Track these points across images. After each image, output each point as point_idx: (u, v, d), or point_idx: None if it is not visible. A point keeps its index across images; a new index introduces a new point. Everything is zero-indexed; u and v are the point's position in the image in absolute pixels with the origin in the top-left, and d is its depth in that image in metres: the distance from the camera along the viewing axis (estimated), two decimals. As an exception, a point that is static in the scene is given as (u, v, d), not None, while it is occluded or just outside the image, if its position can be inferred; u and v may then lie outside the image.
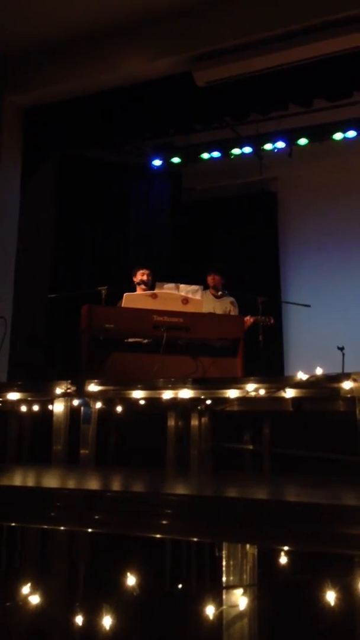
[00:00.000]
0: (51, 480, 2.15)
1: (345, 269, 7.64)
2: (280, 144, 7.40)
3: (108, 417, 3.53)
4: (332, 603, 1.41)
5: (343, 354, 4.78)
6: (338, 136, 7.20)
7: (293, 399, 3.24)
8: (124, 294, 5.13)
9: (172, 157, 7.74)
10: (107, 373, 4.72)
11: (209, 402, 3.11)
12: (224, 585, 1.52)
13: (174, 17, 5.91)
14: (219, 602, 1.47)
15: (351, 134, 7.14)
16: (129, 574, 1.49)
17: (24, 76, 6.41)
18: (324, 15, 5.43)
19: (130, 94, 6.35)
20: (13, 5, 5.77)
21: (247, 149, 7.54)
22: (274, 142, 7.44)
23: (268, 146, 7.47)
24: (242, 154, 7.59)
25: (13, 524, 1.87)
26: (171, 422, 3.61)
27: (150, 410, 3.56)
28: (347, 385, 2.77)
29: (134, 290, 5.71)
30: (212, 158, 7.69)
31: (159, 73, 6.16)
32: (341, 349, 5.79)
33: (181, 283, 5.48)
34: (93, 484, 1.94)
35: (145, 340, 5.26)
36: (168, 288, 5.32)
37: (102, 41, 6.12)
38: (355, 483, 2.59)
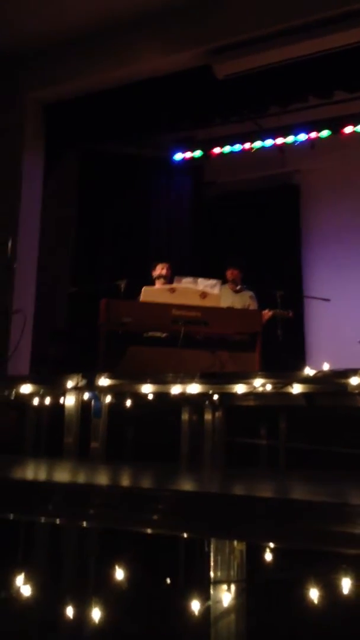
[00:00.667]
0: (46, 474, 2.19)
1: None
2: (302, 136, 7.34)
3: (122, 411, 3.57)
4: (319, 600, 1.42)
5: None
6: (361, 128, 7.11)
7: (306, 394, 3.24)
8: (143, 288, 5.16)
9: (193, 150, 7.73)
10: (124, 367, 4.76)
11: (216, 397, 3.12)
12: (211, 581, 1.53)
13: (192, 10, 5.89)
14: (206, 598, 1.49)
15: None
16: (117, 568, 1.52)
17: (43, 72, 6.45)
18: (344, 6, 5.35)
19: (149, 88, 6.35)
20: (30, 3, 5.81)
21: (269, 142, 7.49)
22: (296, 135, 7.38)
23: (290, 138, 7.41)
24: (264, 146, 7.54)
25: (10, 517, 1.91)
26: (185, 417, 3.63)
27: (164, 404, 3.60)
28: (354, 380, 2.75)
29: (153, 284, 5.74)
30: (233, 151, 7.65)
31: (178, 66, 6.14)
32: (362, 343, 5.74)
33: (201, 277, 5.49)
34: (88, 479, 1.98)
35: (163, 335, 5.29)
36: (186, 282, 5.34)
37: (120, 35, 6.13)
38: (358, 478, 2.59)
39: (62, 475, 2.42)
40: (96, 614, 1.52)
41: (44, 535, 2.29)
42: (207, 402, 3.25)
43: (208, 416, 3.57)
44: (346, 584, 1.42)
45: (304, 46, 5.65)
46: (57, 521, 1.88)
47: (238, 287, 6.07)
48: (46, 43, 6.30)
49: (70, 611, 1.60)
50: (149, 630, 1.53)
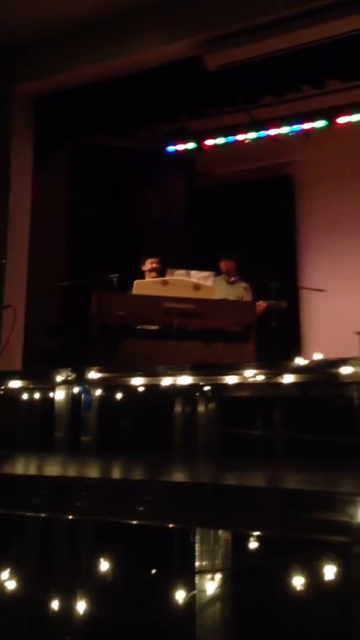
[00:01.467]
0: (35, 468, 2.18)
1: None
2: (297, 127, 7.30)
3: (113, 404, 3.56)
4: (302, 587, 1.41)
5: (361, 339, 4.75)
6: (355, 118, 7.07)
7: (299, 384, 3.22)
8: (135, 282, 5.14)
9: (187, 142, 7.69)
10: (118, 360, 4.75)
11: (207, 388, 3.10)
12: (196, 570, 1.52)
13: (184, 0, 5.85)
14: (191, 587, 1.48)
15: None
16: (102, 560, 1.50)
17: (34, 64, 6.40)
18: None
19: (141, 79, 6.31)
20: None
21: (263, 133, 7.45)
22: (290, 125, 7.34)
23: (284, 129, 7.37)
24: (258, 137, 7.50)
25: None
26: (177, 409, 3.62)
27: (156, 396, 3.58)
28: (345, 370, 2.74)
29: (144, 278, 5.71)
30: (227, 142, 7.61)
31: (171, 57, 6.10)
32: (359, 333, 5.74)
33: (194, 269, 5.47)
34: (76, 472, 1.96)
35: (157, 327, 5.28)
36: (179, 275, 5.32)
37: (111, 26, 6.08)
38: (353, 467, 2.57)
39: (52, 468, 2.40)
40: (83, 604, 1.50)
41: (33, 528, 2.28)
42: (198, 394, 3.23)
43: (201, 408, 3.55)
44: (331, 571, 1.40)
45: (296, 36, 5.60)
46: (45, 514, 1.87)
47: (232, 279, 6.05)
48: (36, 35, 6.25)
49: (58, 602, 1.58)
50: (136, 620, 1.52)
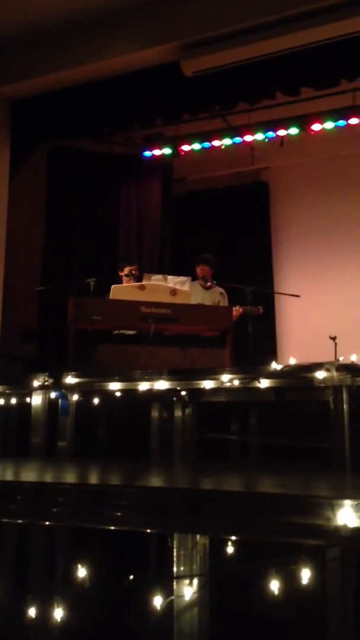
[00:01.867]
0: (11, 474, 2.17)
1: (336, 259, 7.63)
2: (271, 134, 7.36)
3: (90, 409, 3.55)
4: (279, 591, 1.43)
5: (335, 344, 4.80)
6: (329, 125, 7.15)
7: (275, 389, 3.25)
8: (112, 286, 5.13)
9: (163, 147, 7.71)
10: (94, 365, 4.74)
11: (184, 393, 3.11)
12: (174, 575, 1.53)
13: (161, 6, 5.87)
14: (169, 593, 1.48)
15: (341, 122, 7.08)
16: (80, 566, 1.50)
17: (10, 67, 6.37)
18: (310, 3, 5.38)
19: (118, 84, 6.31)
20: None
21: (238, 139, 7.50)
22: (265, 132, 7.40)
23: (259, 136, 7.42)
24: (233, 144, 7.55)
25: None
26: (154, 414, 3.63)
27: (133, 401, 3.58)
28: (320, 375, 2.77)
29: (122, 283, 5.71)
30: (203, 148, 7.64)
31: (147, 62, 6.11)
32: (333, 338, 5.82)
33: (171, 274, 5.49)
34: (52, 477, 1.96)
35: (133, 332, 5.28)
36: (156, 279, 5.33)
37: (89, 30, 6.07)
38: (326, 471, 2.60)
39: (28, 474, 2.39)
40: (60, 610, 1.50)
41: (9, 534, 2.27)
42: (175, 399, 3.24)
43: (178, 413, 3.56)
44: (307, 575, 1.42)
45: (271, 43, 5.66)
46: (22, 521, 1.86)
47: (208, 284, 6.08)
48: (13, 38, 6.22)
49: (35, 608, 1.58)
50: (113, 625, 1.52)
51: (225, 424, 3.97)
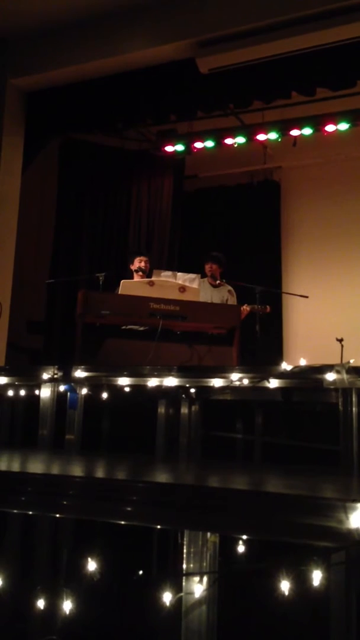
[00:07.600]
0: (20, 465, 2.17)
1: (346, 261, 7.61)
2: (284, 133, 7.33)
3: (98, 403, 3.56)
4: (289, 591, 1.43)
5: (342, 346, 4.79)
6: (343, 126, 7.13)
7: (282, 389, 3.25)
8: (121, 281, 5.14)
9: (176, 144, 7.70)
10: (101, 359, 4.74)
11: (192, 390, 3.12)
12: (184, 572, 1.53)
13: (178, 2, 5.87)
14: (178, 589, 1.49)
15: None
16: (90, 560, 1.51)
17: (26, 60, 6.38)
18: (330, 3, 5.36)
19: (133, 79, 6.31)
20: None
21: (251, 137, 7.48)
22: (278, 131, 7.37)
23: (272, 135, 7.41)
24: (246, 142, 7.53)
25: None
26: (161, 410, 3.62)
27: (141, 397, 3.58)
28: (330, 376, 2.77)
29: (132, 277, 5.71)
30: (215, 146, 7.63)
31: (162, 58, 6.12)
32: (340, 340, 5.77)
33: (180, 271, 5.48)
34: (62, 470, 1.96)
35: (141, 328, 5.28)
36: (165, 276, 5.32)
37: (105, 25, 6.08)
38: (333, 473, 2.60)
39: (35, 466, 2.40)
40: (69, 604, 1.51)
41: (17, 526, 2.27)
42: (183, 396, 3.24)
43: (184, 409, 3.56)
44: (316, 577, 1.43)
45: (288, 43, 5.65)
46: (30, 512, 1.87)
47: (217, 282, 6.07)
48: (30, 30, 6.23)
49: (43, 601, 1.58)
50: (121, 620, 1.53)
51: (231, 422, 3.97)
